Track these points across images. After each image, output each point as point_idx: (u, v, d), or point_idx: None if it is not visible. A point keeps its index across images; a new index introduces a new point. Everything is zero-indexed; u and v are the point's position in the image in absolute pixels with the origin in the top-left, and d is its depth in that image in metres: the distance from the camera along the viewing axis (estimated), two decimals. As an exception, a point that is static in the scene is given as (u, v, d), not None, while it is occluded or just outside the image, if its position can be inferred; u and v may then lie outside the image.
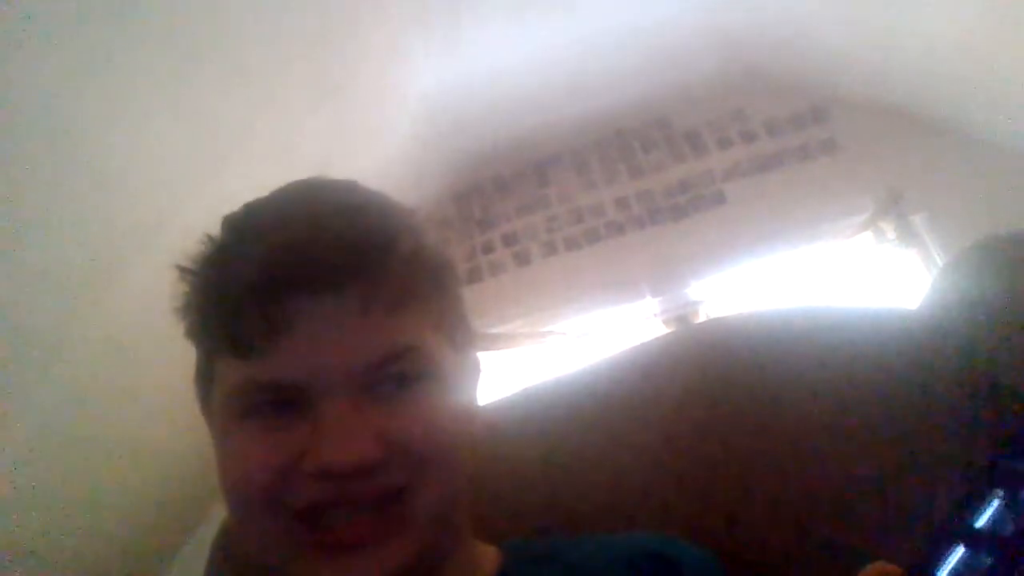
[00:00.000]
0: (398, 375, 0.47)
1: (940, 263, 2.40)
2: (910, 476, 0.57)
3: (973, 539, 0.32)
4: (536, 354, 2.71)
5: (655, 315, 2.70)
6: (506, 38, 2.29)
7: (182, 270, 0.51)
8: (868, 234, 2.55)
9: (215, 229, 0.53)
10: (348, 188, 0.53)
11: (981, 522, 0.32)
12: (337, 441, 0.44)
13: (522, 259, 2.89)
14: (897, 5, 2.11)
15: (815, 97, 2.77)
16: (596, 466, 0.66)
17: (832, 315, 0.70)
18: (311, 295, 0.46)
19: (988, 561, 0.30)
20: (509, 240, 2.93)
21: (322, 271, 0.46)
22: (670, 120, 2.92)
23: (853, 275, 2.55)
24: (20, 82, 1.12)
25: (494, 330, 2.73)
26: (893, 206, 2.55)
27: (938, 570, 0.32)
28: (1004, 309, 0.61)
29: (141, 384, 1.78)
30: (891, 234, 2.54)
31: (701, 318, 2.61)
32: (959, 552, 0.32)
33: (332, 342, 0.46)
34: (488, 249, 2.92)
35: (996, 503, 0.33)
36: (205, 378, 0.52)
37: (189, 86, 1.46)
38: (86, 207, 1.38)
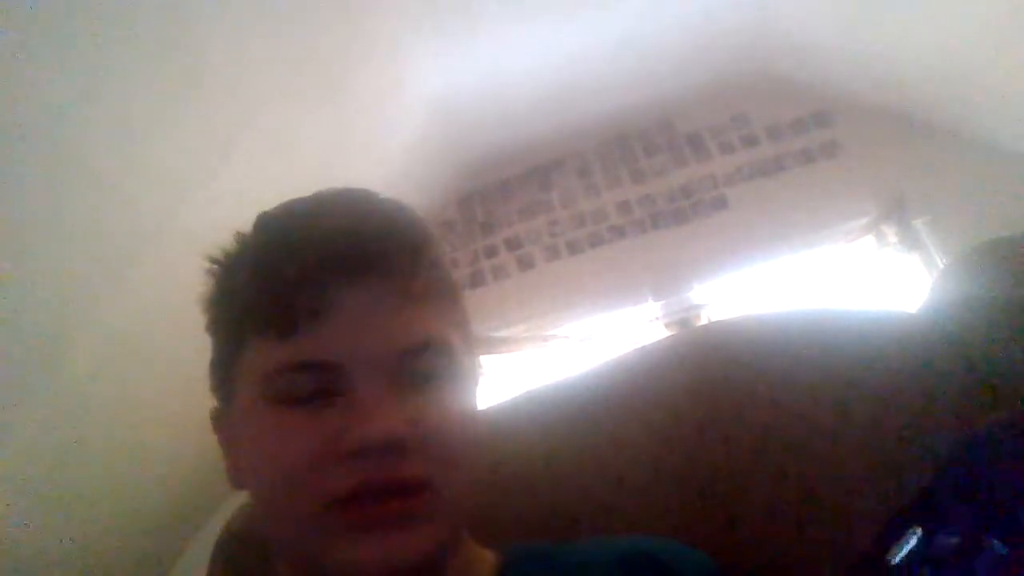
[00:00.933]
0: (428, 369, 0.50)
1: (941, 267, 2.40)
2: (909, 477, 0.58)
3: None
4: (539, 357, 2.71)
5: (657, 319, 2.71)
6: (510, 42, 2.30)
7: (213, 261, 0.54)
8: (870, 238, 2.55)
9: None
10: (383, 199, 0.56)
11: (898, 557, 0.32)
12: (375, 416, 0.46)
13: (525, 263, 2.90)
14: (900, 11, 2.11)
15: (817, 101, 2.78)
16: (598, 468, 0.66)
17: (832, 317, 0.71)
18: (355, 280, 0.48)
19: None
20: (512, 244, 2.93)
21: (367, 258, 0.49)
22: (673, 124, 2.93)
23: (855, 279, 2.55)
24: (23, 85, 1.13)
25: (497, 334, 2.73)
26: (895, 210, 2.55)
27: None
28: (1004, 312, 0.61)
29: (144, 386, 1.78)
30: (893, 238, 2.54)
31: (703, 322, 2.61)
32: None
33: (373, 326, 0.48)
34: (491, 253, 2.93)
35: (914, 539, 0.32)
36: (227, 367, 0.53)
37: (190, 89, 1.47)
38: (86, 210, 1.38)
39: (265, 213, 0.54)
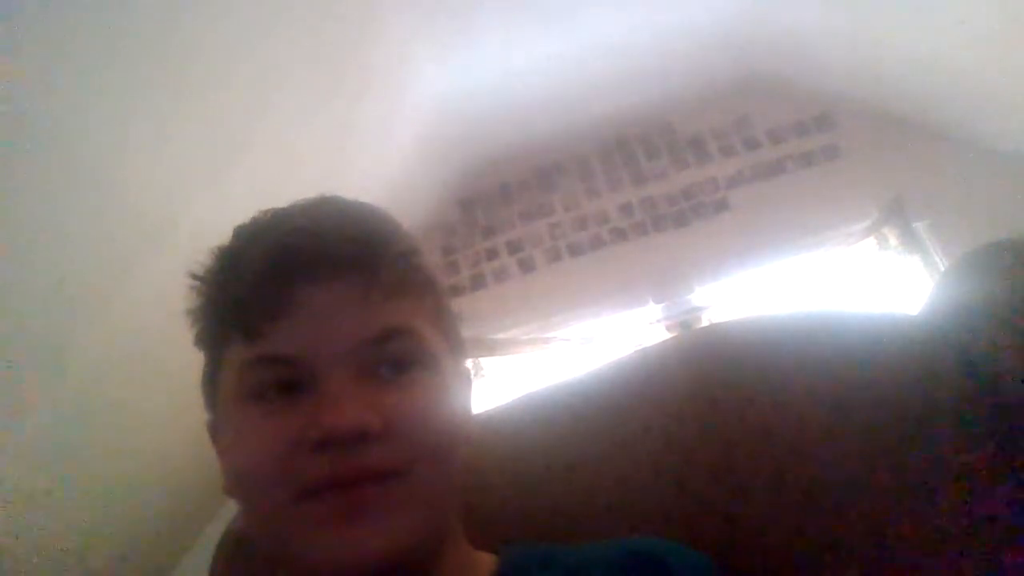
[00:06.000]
0: (396, 358, 0.51)
1: (943, 269, 2.40)
2: (909, 479, 0.58)
3: None
4: (540, 360, 2.72)
5: (658, 321, 2.71)
6: (511, 46, 2.31)
7: (193, 276, 0.55)
8: (871, 241, 2.56)
9: (220, 235, 0.55)
10: (351, 201, 0.57)
11: None
12: (338, 408, 0.46)
13: (526, 265, 2.90)
14: (900, 15, 2.11)
15: (818, 105, 2.78)
16: (598, 470, 0.66)
17: (832, 319, 0.71)
18: (314, 282, 0.49)
19: None
20: (513, 246, 2.93)
21: (325, 260, 0.50)
22: (674, 127, 2.94)
23: (856, 282, 2.56)
24: (26, 87, 1.13)
25: (498, 336, 2.73)
26: (896, 213, 2.55)
27: None
28: (1005, 314, 0.61)
29: (146, 391, 1.78)
30: (894, 241, 2.54)
31: (704, 324, 2.61)
32: None
33: (333, 321, 0.49)
34: (492, 255, 2.93)
35: None
36: (212, 381, 0.54)
37: (192, 92, 1.47)
38: (88, 214, 1.39)
39: (238, 225, 0.56)
